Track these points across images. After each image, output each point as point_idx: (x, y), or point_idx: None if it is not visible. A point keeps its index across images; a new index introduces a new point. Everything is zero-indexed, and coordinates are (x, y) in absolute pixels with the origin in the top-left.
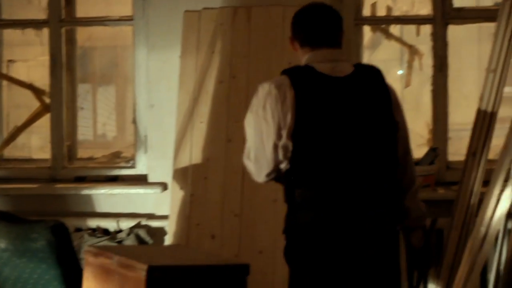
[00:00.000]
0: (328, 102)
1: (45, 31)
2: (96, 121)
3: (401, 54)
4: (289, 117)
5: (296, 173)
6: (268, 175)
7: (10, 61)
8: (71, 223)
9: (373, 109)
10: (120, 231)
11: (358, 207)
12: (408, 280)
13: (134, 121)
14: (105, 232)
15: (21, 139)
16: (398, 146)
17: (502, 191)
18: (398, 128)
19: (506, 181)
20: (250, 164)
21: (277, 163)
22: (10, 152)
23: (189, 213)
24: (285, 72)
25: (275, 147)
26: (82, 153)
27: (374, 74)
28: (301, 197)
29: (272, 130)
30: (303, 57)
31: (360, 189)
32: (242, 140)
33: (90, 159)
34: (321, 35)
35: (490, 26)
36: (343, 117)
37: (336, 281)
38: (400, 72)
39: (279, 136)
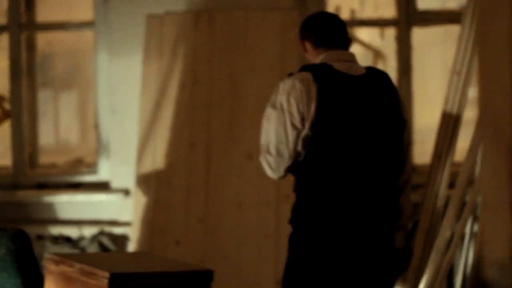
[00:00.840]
0: (347, 97)
1: (5, 37)
2: (58, 127)
3: (364, 57)
4: (312, 109)
5: (312, 163)
6: (287, 168)
7: None
8: (33, 230)
9: (386, 107)
10: (83, 238)
11: (366, 203)
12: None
13: (96, 127)
14: (68, 239)
15: None
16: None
17: (467, 193)
18: (405, 127)
19: (471, 183)
20: (270, 159)
21: (297, 154)
22: None
23: (152, 219)
24: (305, 68)
25: (298, 137)
26: (44, 159)
27: (384, 77)
28: (313, 188)
29: (297, 121)
30: (317, 57)
31: (370, 185)
32: (205, 144)
33: (52, 165)
34: (336, 37)
35: (455, 29)
36: (360, 113)
37: (335, 272)
38: None
39: (302, 126)
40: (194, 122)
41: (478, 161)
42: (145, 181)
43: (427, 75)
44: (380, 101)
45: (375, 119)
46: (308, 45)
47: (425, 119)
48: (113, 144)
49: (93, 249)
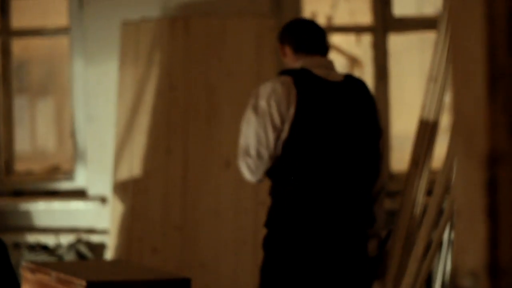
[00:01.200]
0: (325, 103)
1: None
2: (35, 134)
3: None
4: (291, 112)
5: (288, 167)
6: (265, 170)
7: None
8: (9, 238)
9: (363, 115)
10: (60, 246)
11: (340, 209)
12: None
13: (72, 134)
14: (44, 247)
15: None
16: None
17: (444, 201)
18: (380, 135)
19: (448, 190)
20: (250, 161)
21: (276, 157)
22: None
23: (129, 226)
24: (285, 72)
25: (278, 139)
26: (20, 166)
27: (361, 85)
28: (288, 192)
29: (277, 123)
30: (296, 62)
31: (344, 191)
32: (182, 151)
33: (28, 172)
34: (315, 44)
35: (432, 35)
36: (337, 119)
37: (308, 274)
38: None
39: (282, 129)
40: (171, 129)
41: (455, 168)
42: (122, 188)
43: (404, 82)
44: (357, 109)
45: (352, 125)
46: (288, 50)
47: (402, 126)
48: (89, 151)
49: (70, 257)
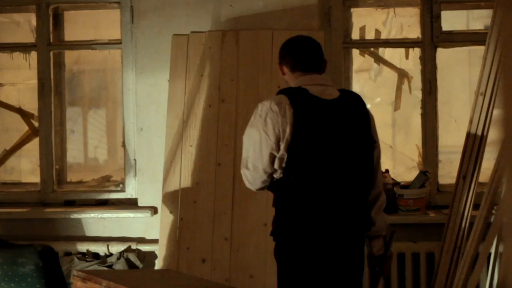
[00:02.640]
0: (321, 121)
1: (34, 55)
2: (87, 145)
3: (389, 77)
4: (287, 131)
5: (288, 182)
6: (263, 182)
7: None
8: (61, 247)
9: (357, 129)
10: (110, 255)
11: (338, 216)
12: (372, 282)
13: (124, 145)
14: (95, 256)
15: (10, 162)
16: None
17: (492, 214)
18: (374, 147)
19: (496, 204)
20: (247, 173)
21: (272, 171)
22: None
23: (179, 237)
24: (282, 92)
25: (272, 156)
26: (72, 176)
27: (356, 99)
28: (290, 203)
29: (271, 141)
30: (293, 81)
31: (342, 200)
32: (232, 164)
33: (80, 182)
34: (311, 62)
35: (480, 49)
36: (332, 135)
37: (316, 276)
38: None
39: (277, 147)
40: (220, 141)
41: (503, 181)
42: (172, 199)
43: (452, 96)
44: (351, 123)
45: (347, 139)
46: (286, 69)
47: (449, 140)
48: (140, 162)
49: (120, 266)
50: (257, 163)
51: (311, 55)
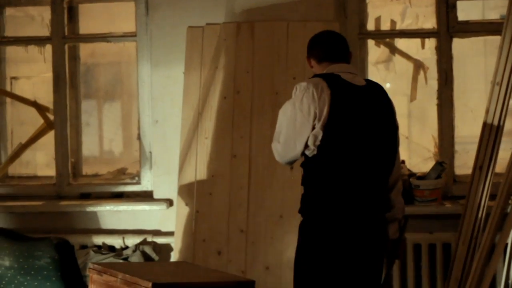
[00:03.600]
0: (355, 104)
1: (48, 48)
2: (102, 138)
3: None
4: (325, 111)
5: (321, 161)
6: (292, 156)
7: (13, 78)
8: (77, 240)
9: (384, 114)
10: (126, 247)
11: (364, 197)
12: (387, 266)
13: (139, 137)
14: (111, 249)
15: (25, 156)
16: None
17: (509, 204)
18: (397, 132)
19: None
20: (278, 146)
21: (303, 148)
22: (14, 169)
23: (194, 229)
24: (318, 76)
25: (306, 134)
26: (87, 169)
27: (380, 88)
28: (321, 182)
29: (306, 119)
30: (321, 71)
31: (369, 181)
32: (247, 155)
33: (95, 175)
34: (338, 52)
35: (496, 39)
36: (364, 119)
37: (338, 253)
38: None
39: (312, 125)
40: (236, 133)
41: None
42: (187, 191)
43: (468, 86)
44: (379, 109)
45: (375, 124)
46: (313, 61)
47: (466, 130)
48: (155, 154)
49: (136, 258)
50: (289, 138)
51: (338, 45)
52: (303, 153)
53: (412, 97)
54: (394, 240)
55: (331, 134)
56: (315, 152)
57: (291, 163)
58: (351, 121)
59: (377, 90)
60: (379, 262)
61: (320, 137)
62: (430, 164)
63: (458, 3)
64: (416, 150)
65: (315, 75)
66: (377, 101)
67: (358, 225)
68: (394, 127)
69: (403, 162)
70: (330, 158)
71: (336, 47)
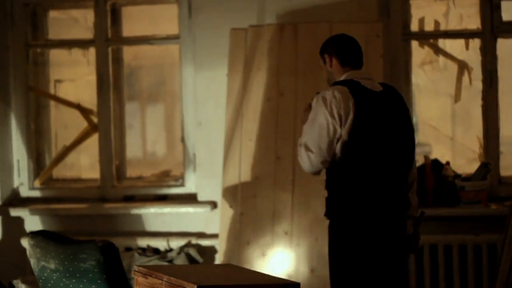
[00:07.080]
0: (376, 110)
1: (92, 51)
2: (145, 140)
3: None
4: (350, 118)
5: (347, 165)
6: (323, 163)
7: (57, 81)
8: (121, 242)
9: (402, 117)
10: (171, 250)
11: (388, 197)
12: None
13: (183, 140)
14: (155, 251)
15: (70, 158)
16: None
17: None
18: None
19: None
20: (311, 155)
21: (333, 154)
22: (59, 172)
23: (239, 231)
24: (339, 83)
25: (336, 140)
26: (131, 172)
27: (395, 91)
28: (346, 185)
29: (338, 126)
30: (341, 74)
31: (392, 183)
32: (291, 157)
33: (139, 178)
34: (358, 59)
35: None
36: (386, 123)
37: (366, 251)
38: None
39: (340, 131)
40: (280, 135)
41: None
42: (231, 193)
43: None
44: (397, 112)
45: (395, 128)
46: (335, 62)
47: (511, 131)
48: (199, 156)
49: (180, 261)
50: (322, 145)
51: (359, 52)
52: None
53: (457, 98)
54: (409, 235)
55: (356, 139)
56: (339, 156)
57: (319, 171)
58: (374, 126)
59: (393, 94)
60: (406, 259)
61: (345, 143)
62: (475, 165)
63: (503, 3)
64: (460, 151)
65: (337, 82)
66: (395, 105)
67: (386, 224)
68: (411, 128)
69: (447, 163)
70: (356, 161)
71: (358, 53)
